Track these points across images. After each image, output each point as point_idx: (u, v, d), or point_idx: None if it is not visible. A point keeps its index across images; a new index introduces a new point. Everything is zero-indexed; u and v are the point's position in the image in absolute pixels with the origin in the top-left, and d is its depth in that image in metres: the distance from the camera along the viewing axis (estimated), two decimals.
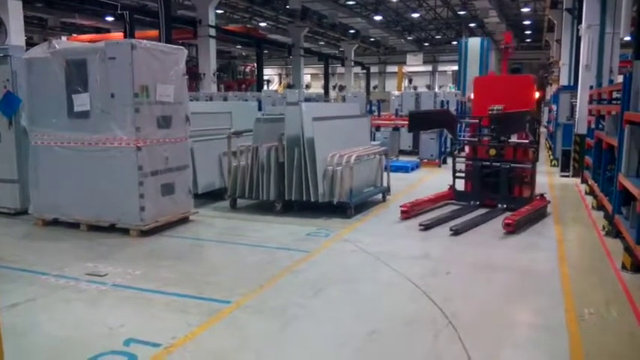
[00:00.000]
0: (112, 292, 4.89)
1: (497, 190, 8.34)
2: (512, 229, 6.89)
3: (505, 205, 8.09)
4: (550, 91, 29.25)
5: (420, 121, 9.33)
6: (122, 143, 6.66)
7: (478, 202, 8.44)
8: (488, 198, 8.40)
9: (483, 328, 4.18)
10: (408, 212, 7.82)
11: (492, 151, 8.30)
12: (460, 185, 8.88)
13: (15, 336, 3.98)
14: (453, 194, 8.83)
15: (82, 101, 6.80)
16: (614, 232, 6.67)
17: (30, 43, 17.13)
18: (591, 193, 9.21)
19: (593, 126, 9.83)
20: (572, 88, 13.58)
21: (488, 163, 8.39)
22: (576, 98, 12.03)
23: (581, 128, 11.44)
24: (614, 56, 11.23)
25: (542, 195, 8.24)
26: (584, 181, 10.64)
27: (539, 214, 7.82)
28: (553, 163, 13.96)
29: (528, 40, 44.80)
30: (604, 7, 11.15)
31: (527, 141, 8.25)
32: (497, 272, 5.54)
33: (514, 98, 8.31)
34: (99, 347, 3.76)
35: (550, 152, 15.69)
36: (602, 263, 5.83)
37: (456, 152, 9.41)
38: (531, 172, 8.21)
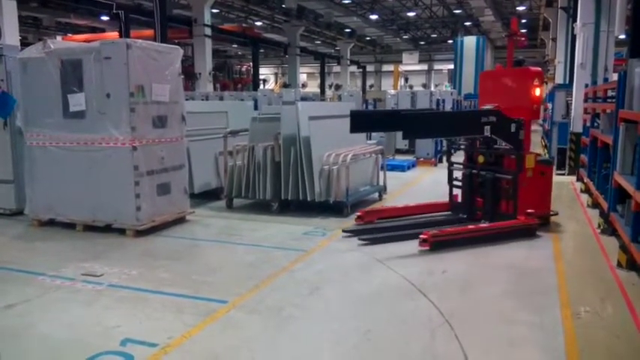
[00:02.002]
0: (108, 292, 4.88)
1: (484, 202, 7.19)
2: (428, 246, 6.07)
3: (489, 222, 6.86)
4: (546, 89, 29.35)
5: (364, 121, 7.19)
6: (118, 143, 6.64)
7: (466, 216, 7.35)
8: (478, 211, 7.26)
9: (480, 326, 4.19)
10: (362, 218, 7.26)
11: (481, 158, 7.15)
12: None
13: (11, 337, 3.97)
14: (450, 204, 7.75)
15: (77, 101, 6.78)
16: (610, 230, 6.70)
17: (24, 43, 17.06)
18: (587, 191, 9.24)
19: (588, 124, 9.86)
20: (567, 87, 13.63)
21: (476, 172, 7.24)
22: (572, 96, 12.07)
23: (576, 126, 11.48)
24: (609, 54, 11.27)
25: (530, 213, 6.73)
26: (579, 179, 10.67)
27: (516, 233, 6.61)
28: None
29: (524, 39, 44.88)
30: (599, 6, 11.19)
31: (508, 147, 6.89)
32: (493, 270, 5.55)
33: (512, 95, 7.17)
34: (95, 347, 3.76)
35: (546, 151, 15.73)
36: (597, 261, 5.85)
37: (446, 157, 8.32)
38: (513, 184, 6.80)
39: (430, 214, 7.69)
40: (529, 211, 6.74)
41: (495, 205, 7.00)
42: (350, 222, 7.52)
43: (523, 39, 7.99)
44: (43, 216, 7.26)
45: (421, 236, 6.12)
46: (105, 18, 25.16)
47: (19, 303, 4.61)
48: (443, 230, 6.46)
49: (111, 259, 5.88)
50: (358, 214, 7.33)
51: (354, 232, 6.79)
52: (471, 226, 6.68)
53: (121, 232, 6.77)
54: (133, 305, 4.58)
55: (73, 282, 5.13)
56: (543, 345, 3.87)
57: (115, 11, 19.72)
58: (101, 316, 4.35)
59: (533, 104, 7.09)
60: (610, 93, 8.28)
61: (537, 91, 7.08)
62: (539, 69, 7.15)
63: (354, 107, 11.53)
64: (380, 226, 7.11)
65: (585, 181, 9.47)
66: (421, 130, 6.75)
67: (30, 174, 7.29)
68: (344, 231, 6.87)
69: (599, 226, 7.12)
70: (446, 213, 7.72)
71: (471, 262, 5.79)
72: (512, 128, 6.70)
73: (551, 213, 7.32)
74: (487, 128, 6.52)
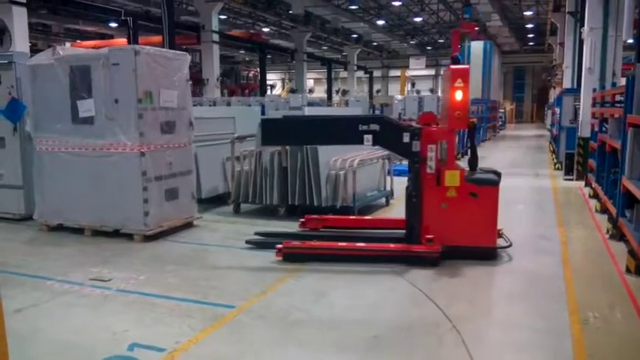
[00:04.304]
0: (116, 297, 4.91)
1: None
2: (280, 256, 5.85)
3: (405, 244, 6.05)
4: (553, 94, 29.25)
5: (281, 131, 6.38)
6: (126, 149, 6.68)
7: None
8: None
9: (487, 331, 4.17)
10: (305, 224, 7.00)
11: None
12: None
13: (19, 341, 3.98)
14: None
15: (86, 107, 6.83)
16: (618, 235, 6.66)
17: (34, 50, 17.24)
18: (595, 196, 9.19)
19: (596, 129, 9.82)
20: (575, 91, 13.57)
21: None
22: (579, 101, 12.03)
23: (584, 131, 11.42)
24: (617, 59, 11.21)
25: (430, 239, 5.74)
26: (587, 184, 10.62)
27: (403, 259, 5.74)
28: (557, 166, 13.95)
29: (531, 44, 44.83)
30: (606, 10, 11.15)
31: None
32: (501, 275, 5.53)
33: (445, 100, 6.31)
34: (103, 352, 3.78)
35: (554, 155, 15.67)
36: (606, 266, 5.81)
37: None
38: (413, 203, 5.96)
39: (381, 229, 6.91)
40: (428, 237, 5.76)
41: (415, 224, 6.00)
42: None
43: (468, 31, 7.10)
44: (51, 221, 7.30)
45: (277, 246, 5.90)
46: (113, 24, 25.32)
47: (27, 307, 4.64)
48: (305, 243, 6.02)
49: (119, 263, 5.91)
50: (302, 219, 7.09)
51: (265, 235, 6.68)
52: (342, 244, 6.01)
53: (129, 237, 6.80)
54: (141, 310, 4.60)
55: (82, 287, 5.15)
56: (551, 351, 3.85)
57: (123, 18, 19.89)
58: (109, 320, 4.37)
59: (455, 110, 5.86)
60: (618, 98, 8.24)
61: (459, 95, 5.84)
62: (464, 67, 6.05)
63: (361, 112, 11.55)
64: (311, 234, 6.74)
65: (593, 186, 9.42)
66: (282, 137, 6.36)
67: (39, 179, 7.34)
68: (255, 233, 6.75)
69: (607, 231, 7.08)
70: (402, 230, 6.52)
71: (478, 266, 5.76)
72: (405, 138, 5.84)
73: (499, 246, 6.08)
74: (368, 137, 5.84)
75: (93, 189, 6.93)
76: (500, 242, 6.14)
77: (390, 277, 5.39)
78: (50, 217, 7.30)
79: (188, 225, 7.50)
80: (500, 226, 6.04)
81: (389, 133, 5.91)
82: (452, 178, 5.83)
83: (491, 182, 5.93)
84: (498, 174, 6.14)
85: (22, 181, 7.86)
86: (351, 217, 7.39)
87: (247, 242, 6.52)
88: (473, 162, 6.21)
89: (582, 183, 11.24)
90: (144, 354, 3.76)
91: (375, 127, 5.83)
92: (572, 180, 11.82)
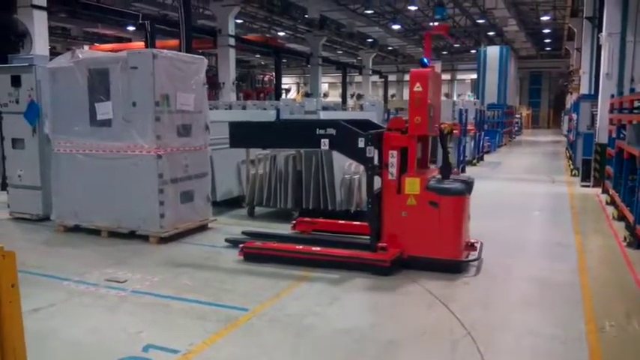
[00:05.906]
0: (131, 298, 4.95)
1: None
2: (242, 254, 6.06)
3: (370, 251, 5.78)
4: (570, 100, 29.00)
5: (246, 134, 6.64)
6: (143, 151, 6.74)
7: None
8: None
9: (502, 339, 4.14)
10: (295, 226, 7.15)
11: None
12: None
13: (35, 341, 4.03)
14: None
15: (105, 110, 6.91)
16: (636, 243, 6.59)
17: (53, 53, 17.46)
18: (612, 203, 9.08)
19: (614, 135, 9.72)
20: (592, 97, 13.44)
21: None
22: (597, 107, 11.91)
23: (601, 137, 11.30)
24: (636, 65, 11.08)
25: (383, 247, 5.65)
26: (604, 191, 10.51)
27: (355, 266, 5.62)
28: (573, 172, 13.81)
29: (548, 49, 44.47)
30: (625, 16, 11.04)
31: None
32: (517, 282, 5.49)
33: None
34: (118, 353, 3.81)
35: (570, 162, 15.53)
36: (623, 274, 5.74)
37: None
38: (369, 210, 5.81)
39: (367, 235, 6.26)
40: (381, 245, 5.66)
41: (373, 232, 5.85)
42: None
43: (440, 33, 7.02)
44: (68, 222, 7.39)
45: (240, 245, 6.15)
46: (131, 28, 25.58)
47: (44, 307, 4.70)
48: (265, 244, 6.17)
49: (134, 265, 5.96)
50: (293, 221, 7.26)
51: (251, 235, 6.79)
52: (299, 247, 6.05)
53: (145, 238, 6.86)
54: (156, 311, 4.64)
55: (97, 287, 5.20)
56: (567, 359, 3.81)
57: (140, 21, 20.09)
58: (124, 321, 4.41)
59: (414, 116, 5.65)
60: (636, 104, 8.15)
61: (417, 100, 5.69)
62: (424, 70, 5.80)
63: (375, 117, 11.54)
64: (292, 237, 6.93)
65: (611, 193, 9.32)
66: (247, 140, 6.63)
67: (56, 180, 7.43)
68: (243, 232, 6.93)
69: (624, 239, 7.00)
70: None
71: (492, 272, 5.72)
72: (360, 143, 5.64)
73: (466, 259, 5.80)
74: (325, 142, 5.77)
75: (109, 191, 7.00)
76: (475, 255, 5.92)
77: (404, 282, 5.38)
78: (67, 218, 7.39)
79: (203, 227, 7.54)
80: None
81: (345, 137, 5.75)
82: (411, 186, 5.63)
83: (455, 192, 5.61)
84: (469, 183, 5.92)
85: (40, 182, 7.96)
86: (341, 221, 7.22)
87: (226, 240, 6.66)
88: (444, 170, 5.97)
89: (599, 190, 11.12)
90: (158, 355, 3.79)
91: (331, 131, 5.75)
92: (588, 187, 11.70)
